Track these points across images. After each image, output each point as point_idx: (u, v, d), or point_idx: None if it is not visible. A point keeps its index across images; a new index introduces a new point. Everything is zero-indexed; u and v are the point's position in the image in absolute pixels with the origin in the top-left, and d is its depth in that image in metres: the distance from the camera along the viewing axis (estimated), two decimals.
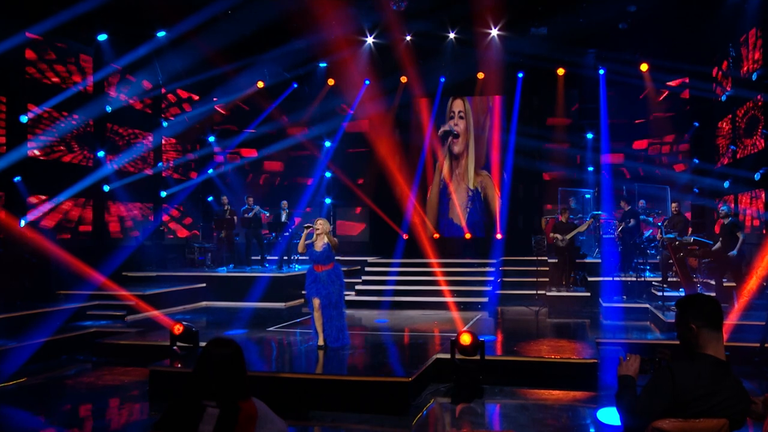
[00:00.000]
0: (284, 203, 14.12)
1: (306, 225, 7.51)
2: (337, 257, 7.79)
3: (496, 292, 12.44)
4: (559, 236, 11.71)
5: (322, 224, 7.48)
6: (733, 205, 12.14)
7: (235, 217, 13.98)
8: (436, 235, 15.86)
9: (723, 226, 9.61)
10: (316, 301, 7.45)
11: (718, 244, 9.66)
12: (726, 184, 12.61)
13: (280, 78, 15.84)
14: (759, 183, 10.90)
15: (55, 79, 11.81)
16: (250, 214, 13.68)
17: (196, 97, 15.75)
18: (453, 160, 16.16)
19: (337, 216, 17.01)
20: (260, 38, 13.76)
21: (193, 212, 15.93)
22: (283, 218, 13.91)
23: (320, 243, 7.43)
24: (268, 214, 14.02)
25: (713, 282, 10.11)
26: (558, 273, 12.14)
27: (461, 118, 16.17)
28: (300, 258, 13.81)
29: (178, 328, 7.57)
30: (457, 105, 16.20)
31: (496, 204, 15.64)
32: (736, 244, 9.26)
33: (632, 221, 11.79)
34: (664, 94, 14.98)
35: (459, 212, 15.93)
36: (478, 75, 15.59)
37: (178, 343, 7.62)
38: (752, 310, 8.59)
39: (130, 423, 6.31)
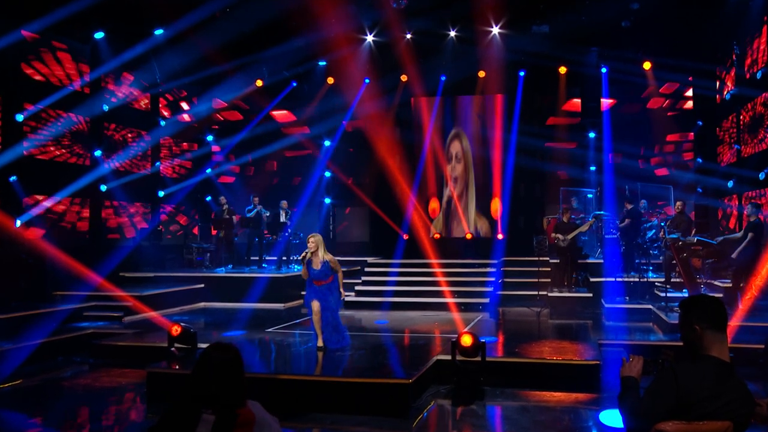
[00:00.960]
0: (284, 203, 14.11)
1: (302, 254, 7.52)
2: (336, 258, 7.78)
3: (497, 293, 12.43)
4: (560, 236, 11.70)
5: (314, 241, 7.49)
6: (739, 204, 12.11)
7: (234, 217, 13.97)
8: (437, 235, 15.86)
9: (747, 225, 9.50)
10: (315, 304, 7.47)
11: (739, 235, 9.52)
12: (730, 184, 12.60)
13: (279, 76, 15.84)
14: (764, 182, 10.89)
15: (52, 78, 11.80)
16: (251, 214, 13.67)
17: (195, 97, 15.74)
18: (454, 194, 16.09)
19: (337, 216, 17.01)
20: (259, 36, 13.74)
21: (188, 211, 15.93)
22: (283, 218, 13.90)
23: (317, 261, 7.44)
24: (267, 214, 14.01)
25: (717, 283, 10.09)
26: (560, 273, 12.13)
27: (458, 161, 16.12)
28: (299, 258, 13.79)
29: (176, 330, 7.56)
30: (455, 147, 16.12)
31: (497, 212, 15.55)
32: (751, 246, 9.11)
33: (627, 221, 11.75)
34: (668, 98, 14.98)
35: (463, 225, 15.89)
36: (479, 73, 15.57)
37: (176, 345, 7.60)
38: (757, 312, 8.58)
39: (127, 425, 6.31)
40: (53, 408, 6.68)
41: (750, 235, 9.07)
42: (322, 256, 7.45)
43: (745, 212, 9.91)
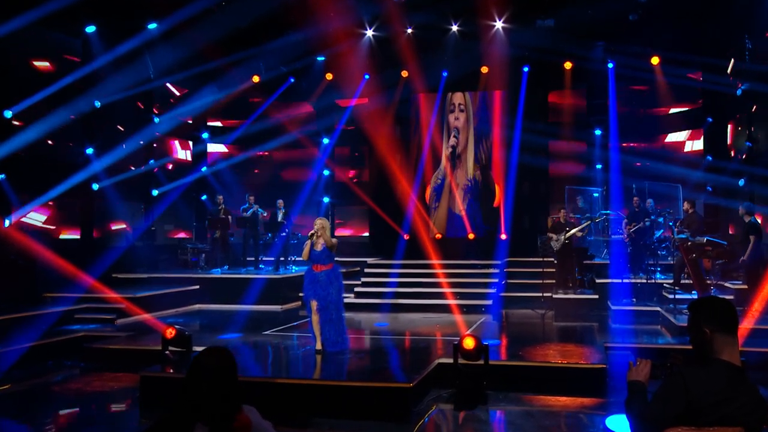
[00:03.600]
0: (280, 202, 14.10)
1: (310, 233, 7.55)
2: (335, 258, 7.80)
3: (500, 295, 12.41)
4: (553, 236, 11.71)
5: (321, 223, 7.54)
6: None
7: (230, 217, 13.97)
8: (438, 235, 15.84)
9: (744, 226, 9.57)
10: (314, 304, 7.49)
11: None
12: (741, 182, 12.57)
13: (276, 72, 15.82)
14: None
15: (41, 73, 11.77)
16: (248, 213, 13.66)
17: (187, 91, 15.73)
18: (454, 156, 16.12)
19: (336, 215, 16.99)
20: (256, 30, 13.72)
21: (184, 211, 15.91)
22: (280, 218, 13.90)
23: (320, 243, 7.51)
24: (265, 214, 14.01)
25: (728, 284, 10.08)
26: (560, 275, 12.08)
27: (461, 111, 16.13)
28: (297, 259, 13.81)
29: (170, 332, 7.55)
30: (458, 98, 16.15)
31: (497, 196, 15.59)
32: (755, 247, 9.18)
33: (648, 220, 11.76)
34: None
35: (459, 204, 15.89)
36: (481, 69, 15.52)
37: (171, 348, 7.60)
38: None
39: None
40: (43, 414, 6.67)
41: (752, 237, 9.12)
42: (327, 239, 7.52)
43: (740, 212, 9.94)
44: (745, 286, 9.45)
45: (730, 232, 12.71)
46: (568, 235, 11.61)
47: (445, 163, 16.07)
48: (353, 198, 16.43)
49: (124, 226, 13.88)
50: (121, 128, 13.83)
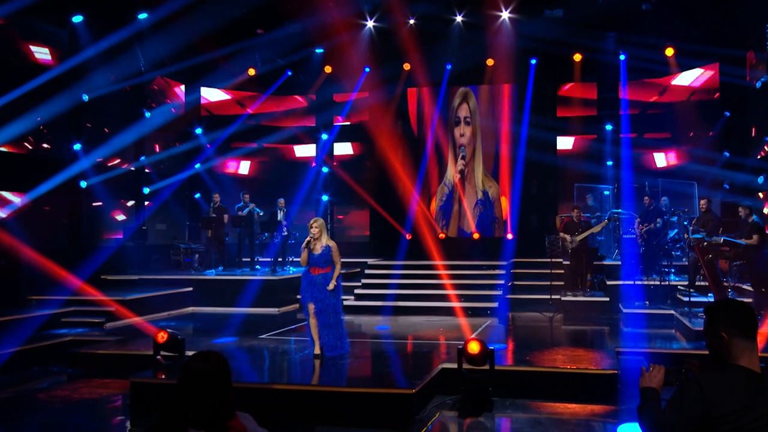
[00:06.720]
0: (281, 201, 14.12)
1: (306, 240, 7.54)
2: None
3: (506, 297, 12.41)
4: (568, 236, 11.70)
5: (318, 226, 7.53)
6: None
7: (225, 216, 13.97)
8: (442, 235, 15.84)
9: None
10: (312, 307, 7.50)
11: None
12: (760, 180, 12.54)
13: (272, 65, 15.81)
14: None
15: (26, 65, 11.76)
16: (244, 212, 13.66)
17: (182, 86, 15.73)
18: (463, 174, 16.10)
19: (335, 214, 17.00)
20: (251, 21, 13.73)
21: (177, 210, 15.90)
22: (279, 217, 13.90)
23: (318, 246, 7.51)
24: (261, 213, 14.00)
25: (746, 287, 10.07)
26: (572, 276, 12.08)
27: (467, 124, 16.10)
28: (295, 260, 13.82)
29: (162, 336, 7.55)
30: (463, 110, 16.11)
31: (505, 211, 15.60)
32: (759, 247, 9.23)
33: (660, 221, 11.75)
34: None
35: (469, 218, 15.89)
36: (487, 62, 15.51)
37: (162, 353, 7.59)
38: None
39: None
40: (28, 422, 6.67)
41: (755, 237, 9.14)
42: (325, 241, 7.55)
43: (741, 214, 9.94)
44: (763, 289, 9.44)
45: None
46: (585, 234, 11.59)
47: (456, 182, 15.99)
48: (353, 196, 16.43)
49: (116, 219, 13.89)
50: (110, 123, 13.81)
